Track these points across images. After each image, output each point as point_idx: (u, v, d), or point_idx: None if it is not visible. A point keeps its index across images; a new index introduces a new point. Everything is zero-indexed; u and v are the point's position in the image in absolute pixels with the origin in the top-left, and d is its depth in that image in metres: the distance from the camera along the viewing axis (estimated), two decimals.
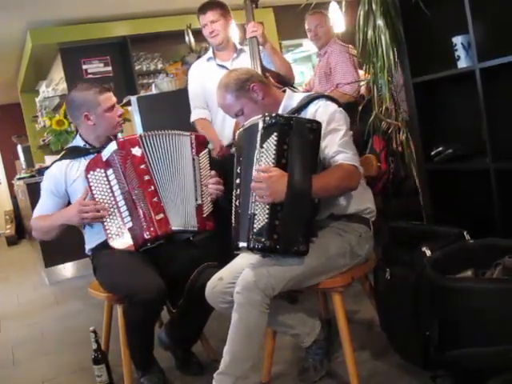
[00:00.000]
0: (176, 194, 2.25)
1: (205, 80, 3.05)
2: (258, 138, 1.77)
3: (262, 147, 1.76)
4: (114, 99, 2.32)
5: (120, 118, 2.32)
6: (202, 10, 3.04)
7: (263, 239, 1.73)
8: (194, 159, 2.29)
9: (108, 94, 2.28)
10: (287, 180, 1.72)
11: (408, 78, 2.43)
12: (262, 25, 2.93)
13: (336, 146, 1.87)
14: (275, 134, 1.74)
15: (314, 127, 1.77)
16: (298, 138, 1.74)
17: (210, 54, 3.15)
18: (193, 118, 3.13)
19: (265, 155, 1.76)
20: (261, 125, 1.77)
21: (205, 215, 2.29)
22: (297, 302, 2.91)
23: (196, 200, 2.27)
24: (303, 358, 2.18)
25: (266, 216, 1.74)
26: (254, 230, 1.74)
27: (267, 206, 1.74)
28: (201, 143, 2.35)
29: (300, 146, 1.75)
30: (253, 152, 1.79)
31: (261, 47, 2.91)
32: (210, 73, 3.04)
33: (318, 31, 3.79)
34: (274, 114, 1.78)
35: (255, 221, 1.75)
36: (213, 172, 2.34)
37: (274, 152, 1.75)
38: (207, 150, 2.37)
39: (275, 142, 1.75)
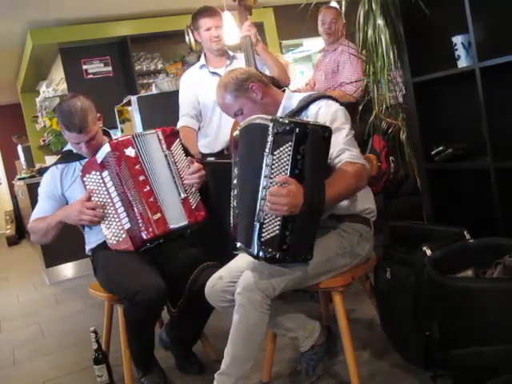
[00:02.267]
0: (167, 192, 2.25)
1: (198, 88, 3.03)
2: (269, 144, 1.68)
3: (273, 154, 1.67)
4: (90, 134, 2.16)
5: (88, 152, 2.22)
6: (209, 13, 2.98)
7: (271, 249, 1.69)
8: (166, 155, 2.27)
9: (73, 135, 2.16)
10: (303, 193, 1.67)
11: (408, 77, 2.43)
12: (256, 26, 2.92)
13: (341, 144, 1.85)
14: (290, 143, 1.66)
15: (327, 135, 1.72)
16: (312, 148, 1.68)
17: (202, 61, 3.10)
18: (179, 125, 3.08)
19: (277, 163, 1.68)
20: (271, 129, 1.69)
21: (193, 207, 2.29)
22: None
23: (180, 195, 2.26)
24: (297, 360, 2.17)
25: (277, 227, 1.68)
26: (262, 240, 1.70)
27: (278, 217, 1.68)
28: (170, 135, 2.30)
29: (315, 156, 1.69)
30: (258, 156, 1.71)
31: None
32: (204, 80, 3.02)
33: (332, 25, 3.71)
34: (287, 120, 1.69)
35: (264, 230, 1.69)
36: (189, 158, 2.32)
37: (287, 162, 1.67)
38: (178, 140, 2.34)
39: (289, 152, 1.66)
